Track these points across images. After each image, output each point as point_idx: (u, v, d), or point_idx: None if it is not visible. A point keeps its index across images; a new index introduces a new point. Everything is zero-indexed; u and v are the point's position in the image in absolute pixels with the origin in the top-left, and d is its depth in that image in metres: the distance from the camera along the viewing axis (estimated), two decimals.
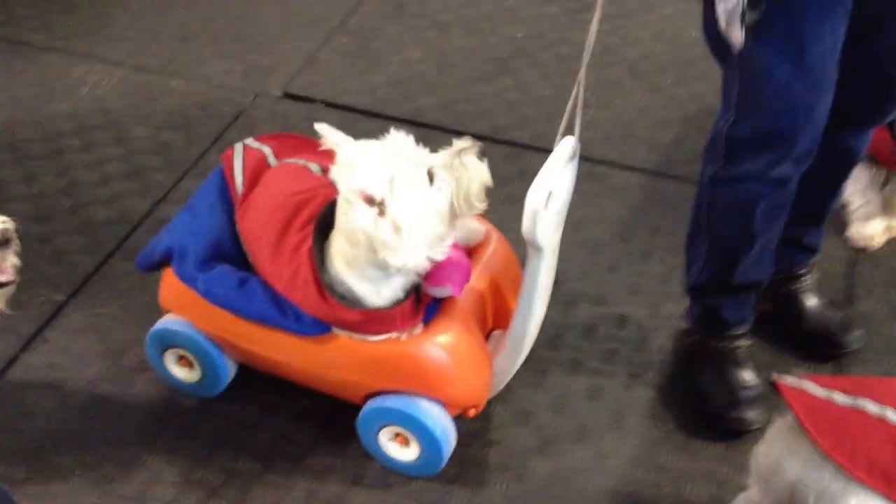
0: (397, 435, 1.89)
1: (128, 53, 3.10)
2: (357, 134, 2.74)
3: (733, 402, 2.01)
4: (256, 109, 2.90)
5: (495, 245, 1.99)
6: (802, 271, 2.19)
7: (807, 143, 1.81)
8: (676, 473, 1.97)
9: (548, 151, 2.70)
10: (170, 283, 1.99)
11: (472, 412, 1.92)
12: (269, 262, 1.85)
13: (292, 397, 2.05)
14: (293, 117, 2.87)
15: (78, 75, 3.01)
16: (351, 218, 1.70)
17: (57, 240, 2.48)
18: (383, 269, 1.73)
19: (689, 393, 2.09)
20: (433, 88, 2.96)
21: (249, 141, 2.04)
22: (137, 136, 2.79)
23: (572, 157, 1.81)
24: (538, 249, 1.79)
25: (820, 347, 2.16)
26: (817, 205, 2.09)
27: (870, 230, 2.40)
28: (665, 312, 2.28)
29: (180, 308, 2.00)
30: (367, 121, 2.85)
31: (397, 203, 1.67)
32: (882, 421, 1.49)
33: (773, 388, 1.58)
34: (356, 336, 1.83)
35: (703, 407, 2.05)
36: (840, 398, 1.52)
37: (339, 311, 1.78)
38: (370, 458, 1.99)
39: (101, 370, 2.18)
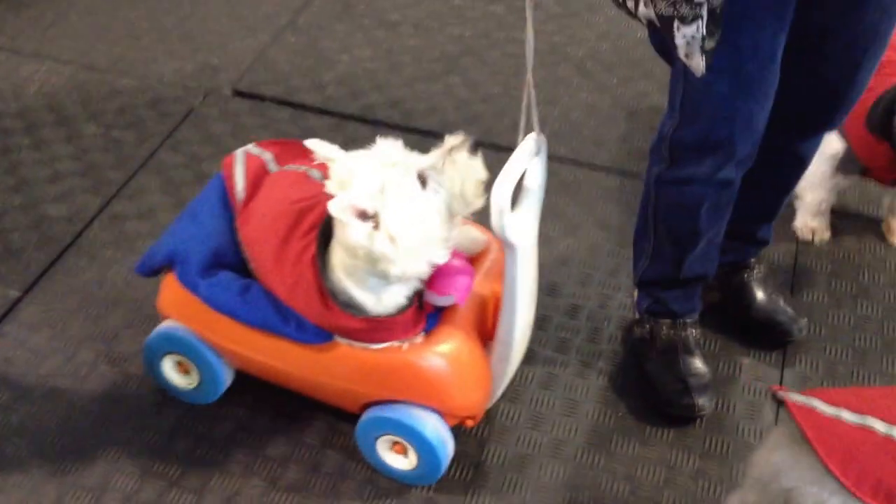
0: (395, 444, 1.89)
1: (76, 52, 3.09)
2: (308, 131, 2.82)
3: (683, 390, 2.07)
4: (207, 108, 2.91)
5: (496, 254, 1.96)
6: (752, 261, 2.26)
7: (748, 149, 1.87)
8: (629, 458, 2.02)
9: (499, 147, 2.77)
10: (170, 289, 1.96)
11: (469, 423, 1.92)
12: (272, 270, 1.83)
13: (248, 389, 2.06)
14: (244, 115, 2.88)
15: (26, 74, 3.00)
16: (347, 235, 1.67)
17: (10, 236, 2.46)
18: (383, 277, 1.71)
19: (639, 381, 2.14)
20: (382, 86, 3.00)
21: (250, 147, 2.00)
22: (88, 134, 2.79)
23: (537, 153, 1.79)
24: (511, 248, 1.76)
25: (768, 336, 2.23)
26: (769, 204, 2.17)
27: (816, 224, 2.47)
28: (615, 303, 2.34)
29: (180, 314, 1.97)
30: (317, 118, 2.88)
31: (390, 213, 1.64)
32: (890, 441, 1.48)
33: (773, 398, 1.58)
34: (357, 345, 1.82)
35: (654, 394, 2.10)
36: (848, 416, 1.51)
37: (342, 319, 1.76)
38: (328, 446, 2.01)
39: (57, 364, 2.17)
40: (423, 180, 1.67)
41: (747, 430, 2.07)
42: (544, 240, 2.47)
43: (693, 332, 2.15)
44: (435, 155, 1.69)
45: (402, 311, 1.76)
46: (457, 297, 1.79)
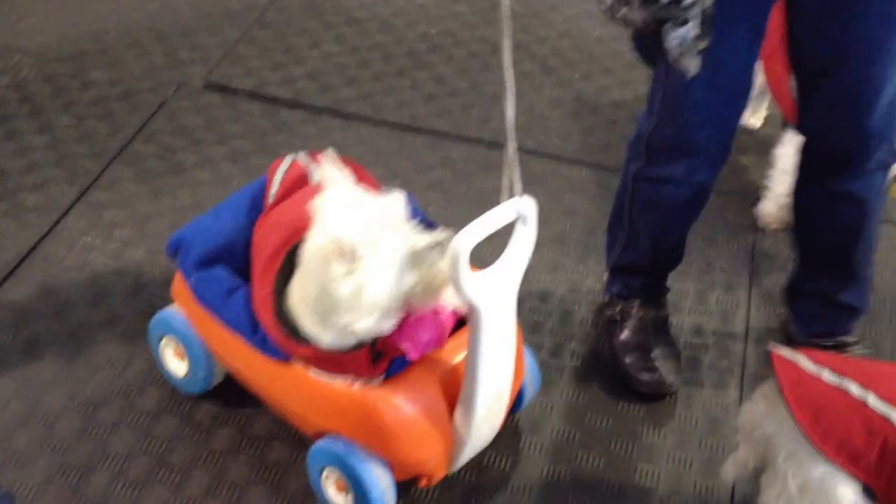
0: (338, 480, 1.86)
1: (47, 45, 3.12)
2: (280, 124, 2.87)
3: (653, 368, 2.15)
4: (179, 100, 2.94)
5: None
6: (850, 340, 2.16)
7: (721, 150, 1.97)
8: (603, 434, 2.10)
9: (468, 139, 2.85)
10: (179, 275, 2.00)
11: (423, 482, 1.87)
12: (258, 279, 1.84)
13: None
14: (216, 108, 2.93)
15: None
16: (321, 265, 1.67)
17: None
18: (325, 316, 1.69)
19: (611, 360, 2.21)
20: (352, 81, 3.06)
21: (300, 155, 2.01)
22: (61, 125, 2.81)
23: (524, 221, 1.74)
24: (471, 308, 1.69)
25: None
26: (844, 260, 2.10)
27: (779, 213, 2.55)
28: (585, 288, 2.42)
29: (181, 300, 2.01)
30: (289, 111, 2.93)
31: (372, 267, 1.64)
32: (861, 404, 1.56)
33: (769, 357, 1.66)
34: (312, 371, 1.81)
35: (625, 372, 2.18)
36: (828, 376, 1.59)
37: (290, 342, 1.77)
38: (275, 438, 2.03)
39: (40, 348, 2.20)
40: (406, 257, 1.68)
41: (714, 405, 2.16)
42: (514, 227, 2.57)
43: (661, 313, 2.23)
44: (427, 240, 1.68)
45: (350, 350, 1.73)
46: (408, 348, 1.74)
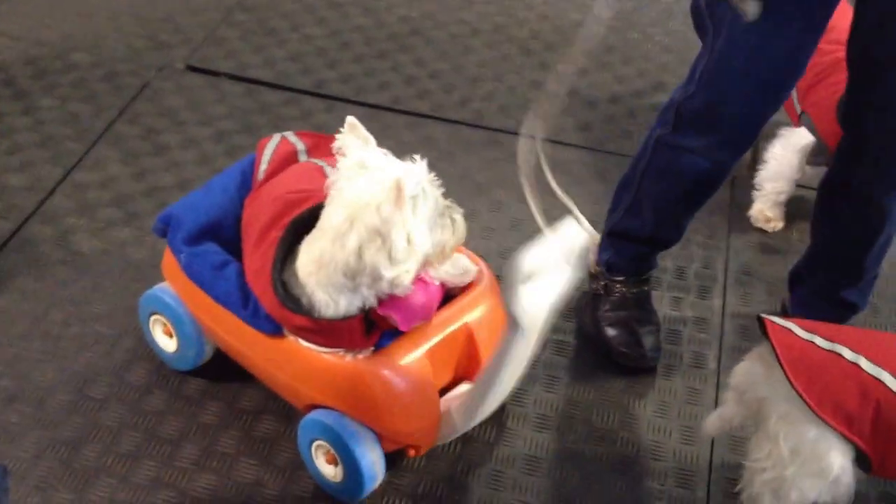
0: (328, 452, 1.88)
1: (28, 28, 3.12)
2: (263, 105, 2.89)
3: (635, 342, 2.19)
4: (161, 82, 2.96)
5: (481, 289, 1.93)
6: None
7: (746, 131, 1.96)
8: (585, 404, 2.15)
9: (448, 121, 2.88)
10: (168, 252, 2.02)
11: (411, 452, 1.90)
12: (249, 252, 1.86)
13: (219, 351, 2.13)
14: (198, 89, 2.94)
15: None
16: (372, 213, 1.66)
17: None
18: (355, 277, 1.71)
19: (594, 333, 2.26)
20: (333, 63, 3.08)
21: (288, 133, 2.04)
22: (45, 107, 2.82)
23: (579, 254, 1.71)
24: (516, 327, 1.71)
25: None
26: (850, 258, 2.14)
27: (772, 213, 2.58)
28: None
29: (171, 277, 2.03)
30: (271, 93, 2.95)
31: (419, 217, 1.68)
32: (854, 367, 1.60)
33: (760, 324, 1.70)
34: (304, 343, 1.83)
35: (607, 345, 2.22)
36: (820, 342, 1.63)
37: (286, 313, 1.77)
38: (264, 412, 2.06)
39: (27, 326, 2.21)
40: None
41: (693, 376, 2.21)
42: (497, 205, 2.62)
43: (645, 289, 2.27)
44: (447, 204, 1.76)
45: (348, 318, 1.76)
46: (399, 320, 1.77)
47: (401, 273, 1.71)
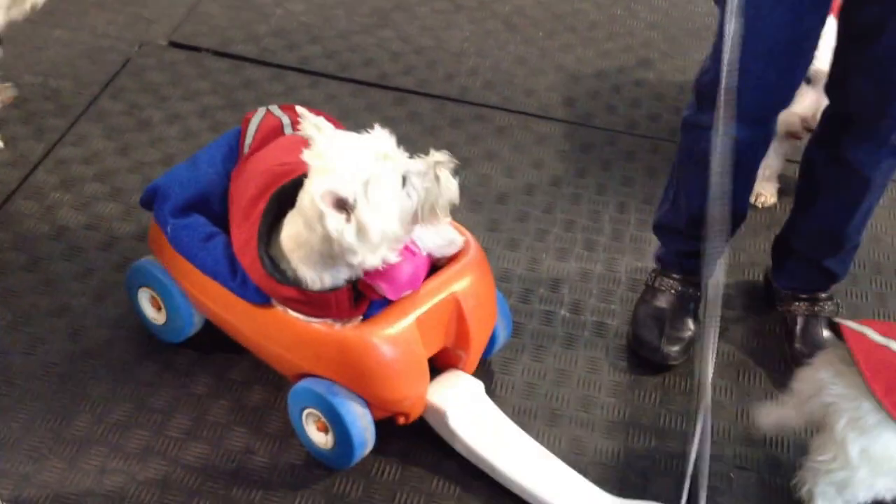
0: (319, 420, 1.89)
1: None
2: (247, 81, 2.88)
3: (659, 336, 2.16)
4: (143, 58, 2.94)
5: (468, 260, 1.94)
6: (822, 295, 2.22)
7: (755, 109, 1.90)
8: (571, 373, 2.16)
9: (432, 96, 2.89)
10: (154, 225, 2.02)
11: (401, 419, 1.91)
12: (237, 225, 1.87)
13: (209, 322, 2.14)
14: (181, 65, 2.93)
15: None
16: (320, 222, 1.68)
17: None
18: (332, 259, 1.73)
19: (631, 319, 2.25)
20: (317, 39, 3.08)
21: (273, 107, 2.04)
22: (27, 84, 2.80)
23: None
24: None
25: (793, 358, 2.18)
26: (832, 226, 2.12)
27: (763, 189, 2.59)
28: (551, 237, 2.48)
29: (158, 250, 2.03)
30: (256, 68, 2.94)
31: (368, 206, 1.67)
32: None
33: (832, 329, 1.71)
34: (291, 313, 1.84)
35: (635, 333, 2.20)
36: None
37: (274, 284, 1.79)
38: (254, 382, 2.07)
39: (11, 300, 2.22)
40: (403, 181, 1.71)
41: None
42: (483, 179, 2.63)
43: (690, 290, 2.21)
44: (421, 163, 1.73)
45: (335, 289, 1.78)
46: (386, 288, 1.79)
47: (371, 257, 1.72)
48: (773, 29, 1.82)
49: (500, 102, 2.88)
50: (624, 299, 2.33)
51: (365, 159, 1.69)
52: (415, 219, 1.75)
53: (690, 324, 2.20)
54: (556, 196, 2.59)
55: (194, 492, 1.89)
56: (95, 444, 1.95)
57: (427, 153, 1.75)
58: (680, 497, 1.77)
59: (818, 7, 1.83)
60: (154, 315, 2.11)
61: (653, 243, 2.45)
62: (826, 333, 2.15)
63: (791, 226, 2.24)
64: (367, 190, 1.67)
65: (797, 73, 1.93)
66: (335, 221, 1.67)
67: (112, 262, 2.31)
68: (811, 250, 2.20)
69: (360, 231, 1.68)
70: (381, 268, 1.76)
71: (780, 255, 2.27)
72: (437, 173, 1.73)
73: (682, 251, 2.19)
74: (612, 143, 2.77)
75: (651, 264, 2.39)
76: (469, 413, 1.94)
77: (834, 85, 2.01)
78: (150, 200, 2.03)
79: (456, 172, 1.75)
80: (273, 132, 2.02)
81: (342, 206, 1.67)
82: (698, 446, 1.66)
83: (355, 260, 1.72)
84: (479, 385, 1.98)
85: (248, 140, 2.02)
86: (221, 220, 1.97)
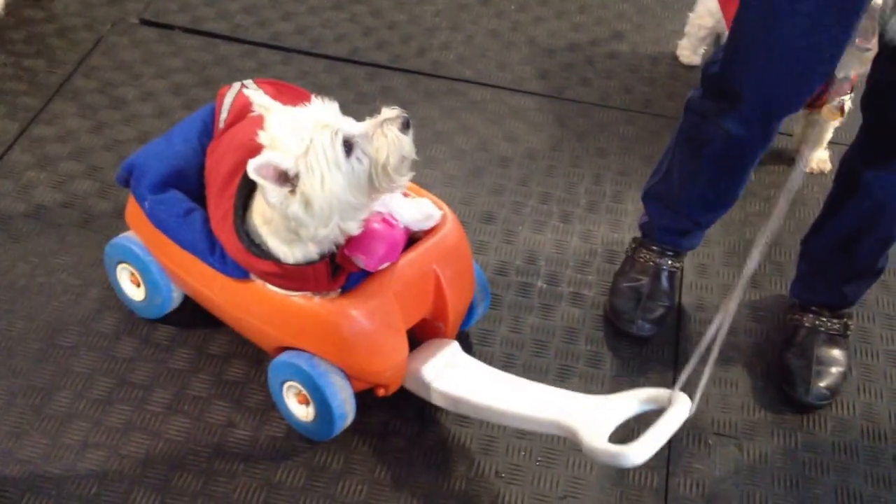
0: (300, 392, 1.90)
1: None
2: (220, 58, 2.88)
3: (633, 308, 2.19)
4: (116, 36, 2.93)
5: (446, 232, 1.95)
6: (825, 314, 2.16)
7: (757, 107, 1.86)
8: (549, 343, 2.19)
9: (407, 71, 2.89)
10: (132, 201, 2.01)
11: (381, 391, 1.92)
12: (213, 200, 1.87)
13: (188, 299, 2.14)
14: (153, 43, 2.92)
15: None
16: (264, 193, 1.70)
17: None
18: (296, 233, 1.74)
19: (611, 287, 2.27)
20: (289, 15, 3.07)
21: (248, 82, 2.02)
22: None
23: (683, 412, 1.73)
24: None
25: (782, 381, 2.15)
26: (847, 246, 2.06)
27: (695, 47, 2.73)
28: (527, 209, 2.50)
29: (136, 227, 2.03)
30: (228, 45, 2.93)
31: (310, 178, 1.66)
32: None
33: None
34: (270, 287, 1.85)
35: (611, 301, 2.23)
36: None
37: (252, 259, 1.80)
38: (233, 356, 2.08)
39: None
40: (349, 147, 1.68)
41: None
42: (458, 153, 2.64)
43: (668, 263, 2.22)
44: (367, 124, 1.71)
45: (311, 263, 1.78)
46: (364, 260, 1.78)
47: (324, 230, 1.72)
48: (789, 36, 1.73)
49: (474, 76, 2.89)
50: (600, 270, 2.36)
51: (303, 130, 1.68)
52: (371, 184, 1.73)
53: (666, 298, 2.22)
54: (531, 169, 2.61)
55: (176, 465, 1.90)
56: (77, 419, 1.95)
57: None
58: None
59: (840, 20, 1.71)
60: (133, 291, 2.11)
61: (629, 214, 2.49)
62: (824, 350, 2.12)
63: (812, 231, 2.16)
64: (307, 161, 1.66)
65: (808, 84, 1.84)
66: (275, 194, 1.67)
67: (90, 239, 2.31)
68: (824, 263, 2.13)
69: (307, 203, 1.68)
70: (352, 235, 1.76)
71: (802, 260, 2.20)
72: (385, 132, 1.70)
73: (666, 225, 2.20)
74: (586, 116, 2.79)
75: (627, 235, 2.42)
76: (442, 363, 1.95)
77: (865, 98, 1.93)
78: (127, 177, 2.03)
79: (407, 126, 1.70)
80: (247, 107, 2.02)
81: (285, 178, 1.67)
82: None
83: (306, 233, 1.72)
84: (454, 343, 2.00)
85: (224, 115, 2.02)
86: (198, 195, 1.97)
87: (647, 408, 1.78)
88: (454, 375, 1.93)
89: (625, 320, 2.19)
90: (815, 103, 2.47)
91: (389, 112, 1.71)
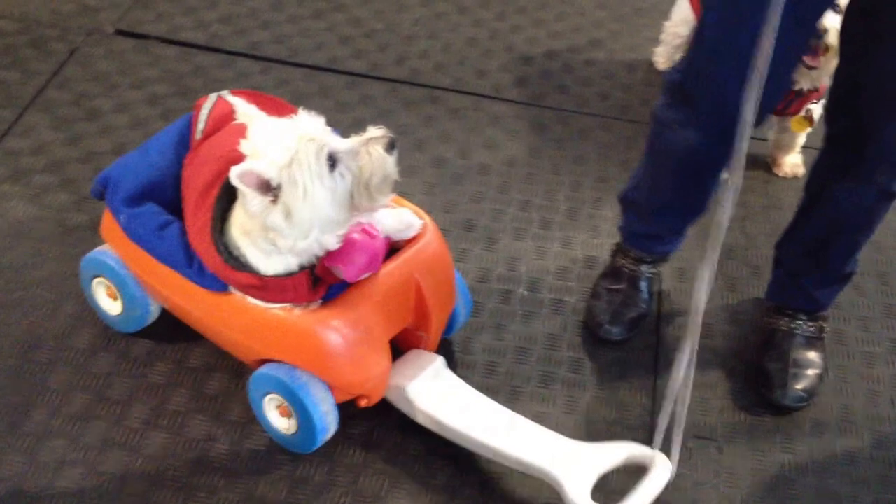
0: (281, 405, 1.88)
1: None
2: (198, 68, 2.86)
3: (605, 310, 2.19)
4: (91, 46, 2.90)
5: (426, 242, 1.94)
6: (800, 318, 2.15)
7: (712, 113, 1.83)
8: (532, 349, 2.18)
9: (384, 79, 2.88)
10: (107, 215, 1.98)
11: (363, 402, 1.90)
12: (191, 212, 1.85)
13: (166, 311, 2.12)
14: (129, 53, 2.89)
15: None
16: (245, 201, 1.69)
17: None
18: (274, 244, 1.73)
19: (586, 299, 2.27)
20: (267, 24, 3.05)
21: (225, 93, 1.99)
22: None
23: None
24: None
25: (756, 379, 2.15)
26: (817, 250, 2.06)
27: (670, 54, 2.73)
28: (507, 217, 2.48)
29: (111, 240, 2.00)
30: (205, 55, 2.91)
31: (292, 190, 1.65)
32: None
33: None
34: (250, 300, 1.83)
35: (588, 308, 2.23)
36: None
37: (231, 272, 1.78)
38: (212, 369, 2.05)
39: None
40: (333, 162, 1.67)
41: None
42: (438, 161, 2.63)
43: (647, 269, 2.22)
44: (353, 141, 1.70)
45: (291, 274, 1.76)
46: (344, 271, 1.77)
47: (304, 242, 1.70)
48: (746, 45, 1.63)
49: (453, 84, 2.88)
50: (581, 276, 2.35)
51: (289, 142, 1.67)
52: (352, 201, 1.71)
53: (643, 304, 2.22)
54: (510, 176, 2.60)
55: (156, 482, 1.87)
56: (54, 437, 1.92)
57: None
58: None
59: (797, 33, 1.73)
60: (109, 305, 2.09)
61: (609, 220, 2.49)
62: (801, 353, 2.13)
63: (785, 237, 2.16)
64: (290, 172, 1.65)
65: (764, 95, 1.85)
66: (257, 202, 1.66)
67: (65, 253, 2.28)
68: (796, 269, 2.13)
69: (287, 214, 1.67)
70: (333, 249, 1.75)
71: (776, 265, 2.20)
72: (370, 150, 1.69)
73: (639, 231, 2.20)
74: (565, 123, 2.79)
75: (607, 241, 2.42)
76: (430, 384, 1.94)
77: (826, 111, 1.95)
78: (102, 190, 2.00)
79: (392, 147, 1.70)
80: (225, 118, 2.00)
81: (267, 188, 1.66)
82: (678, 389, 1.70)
83: (285, 244, 1.71)
84: (439, 359, 1.99)
85: (201, 126, 1.99)
86: (175, 207, 1.95)
87: (629, 462, 1.83)
88: (439, 397, 1.92)
89: (597, 323, 2.19)
90: (786, 112, 2.49)
91: (376, 131, 1.71)
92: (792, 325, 2.16)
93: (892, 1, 1.70)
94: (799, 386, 2.09)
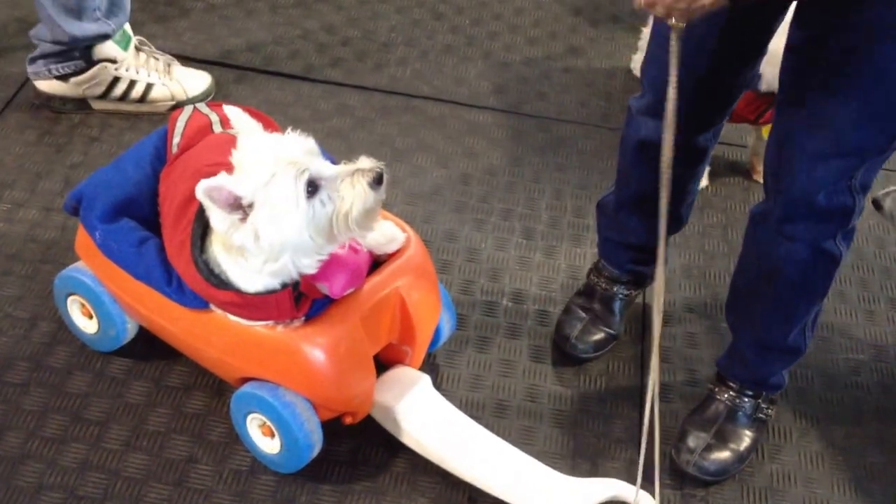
0: (264, 424, 1.84)
1: None
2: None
3: (573, 327, 2.16)
4: None
5: (410, 255, 1.90)
6: (750, 393, 2.01)
7: (660, 100, 1.71)
8: (516, 363, 2.15)
9: (363, 88, 2.84)
10: (82, 231, 1.93)
11: (348, 419, 1.88)
12: (169, 228, 1.80)
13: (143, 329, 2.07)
14: None
15: None
16: (210, 217, 1.65)
17: None
18: (245, 259, 1.69)
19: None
20: (240, 32, 3.00)
21: (200, 105, 1.96)
22: None
23: None
24: None
25: None
26: (752, 306, 1.94)
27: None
28: (489, 227, 2.46)
29: (87, 257, 1.95)
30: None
31: (263, 211, 1.61)
32: None
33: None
34: (231, 317, 1.79)
35: (557, 322, 2.21)
36: None
37: (212, 290, 1.74)
38: (192, 388, 2.02)
39: None
40: (314, 188, 1.62)
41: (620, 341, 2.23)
42: (418, 171, 2.60)
43: (616, 290, 2.17)
44: (339, 168, 1.65)
45: (273, 292, 1.72)
46: (328, 287, 1.74)
47: (273, 265, 1.66)
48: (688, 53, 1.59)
49: (431, 92, 2.85)
50: (564, 286, 2.32)
51: (269, 163, 1.62)
52: (332, 229, 1.65)
53: (613, 325, 2.17)
54: (491, 185, 2.57)
55: None
56: (30, 460, 1.87)
57: (359, 148, 1.70)
58: (634, 479, 1.78)
59: (739, 56, 1.76)
60: (85, 324, 2.04)
61: (590, 229, 2.47)
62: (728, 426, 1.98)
63: (729, 294, 2.02)
64: (266, 192, 1.60)
65: (712, 104, 1.86)
66: (222, 219, 1.62)
67: (38, 270, 2.22)
68: (736, 329, 2.00)
69: (256, 235, 1.62)
70: (310, 273, 1.71)
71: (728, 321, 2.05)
72: (354, 182, 1.63)
73: (608, 236, 2.15)
74: (545, 130, 2.76)
75: (589, 250, 2.40)
76: (416, 406, 1.91)
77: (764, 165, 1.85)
78: (75, 206, 1.95)
79: (378, 182, 1.63)
80: (202, 131, 1.96)
81: (238, 205, 1.61)
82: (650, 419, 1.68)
83: (254, 264, 1.66)
84: (425, 378, 1.95)
85: (176, 139, 1.95)
86: (151, 222, 1.90)
87: (614, 499, 1.82)
88: (424, 421, 1.89)
89: (563, 337, 2.16)
90: (758, 122, 2.50)
91: (366, 162, 1.65)
92: (737, 402, 2.00)
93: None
94: (709, 459, 1.96)
